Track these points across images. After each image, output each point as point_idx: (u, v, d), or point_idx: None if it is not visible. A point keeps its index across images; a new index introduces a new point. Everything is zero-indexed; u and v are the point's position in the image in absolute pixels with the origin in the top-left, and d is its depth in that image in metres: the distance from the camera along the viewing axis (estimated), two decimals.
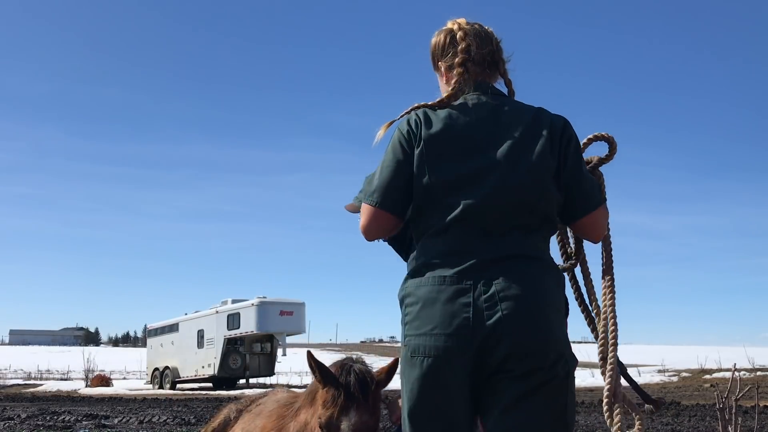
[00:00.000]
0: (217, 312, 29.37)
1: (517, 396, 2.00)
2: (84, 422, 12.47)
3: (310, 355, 2.72)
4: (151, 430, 11.38)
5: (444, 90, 2.30)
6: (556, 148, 2.15)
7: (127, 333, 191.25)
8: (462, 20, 2.31)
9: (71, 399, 22.27)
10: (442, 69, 2.32)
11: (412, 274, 2.15)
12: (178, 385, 30.85)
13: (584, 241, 2.39)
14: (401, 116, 2.24)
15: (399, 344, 2.25)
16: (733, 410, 4.76)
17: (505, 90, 2.33)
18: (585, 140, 2.39)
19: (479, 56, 2.25)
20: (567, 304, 2.27)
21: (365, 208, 2.20)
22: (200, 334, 29.97)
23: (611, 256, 2.31)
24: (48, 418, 13.26)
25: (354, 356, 2.89)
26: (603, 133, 2.39)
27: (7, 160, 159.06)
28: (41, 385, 34.48)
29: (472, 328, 1.99)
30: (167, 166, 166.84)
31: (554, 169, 2.14)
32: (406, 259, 2.36)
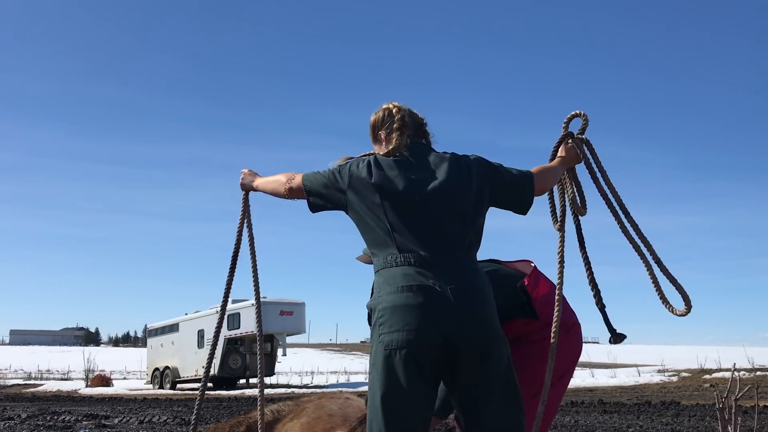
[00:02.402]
0: (217, 312, 29.38)
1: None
2: (84, 422, 12.47)
3: None
4: (151, 430, 11.37)
5: (382, 151, 2.87)
6: (480, 176, 2.76)
7: (127, 333, 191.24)
8: (394, 102, 2.94)
9: (71, 399, 22.26)
10: (382, 136, 2.88)
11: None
12: (178, 385, 30.88)
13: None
14: (360, 156, 2.82)
15: None
16: (733, 410, 4.76)
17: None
18: (566, 118, 3.07)
19: (410, 123, 2.87)
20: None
21: (302, 190, 2.83)
22: (200, 334, 30.00)
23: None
24: (48, 418, 13.26)
25: None
26: (578, 111, 3.06)
27: (7, 160, 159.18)
28: (41, 385, 34.48)
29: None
30: (167, 166, 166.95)
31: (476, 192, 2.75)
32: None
